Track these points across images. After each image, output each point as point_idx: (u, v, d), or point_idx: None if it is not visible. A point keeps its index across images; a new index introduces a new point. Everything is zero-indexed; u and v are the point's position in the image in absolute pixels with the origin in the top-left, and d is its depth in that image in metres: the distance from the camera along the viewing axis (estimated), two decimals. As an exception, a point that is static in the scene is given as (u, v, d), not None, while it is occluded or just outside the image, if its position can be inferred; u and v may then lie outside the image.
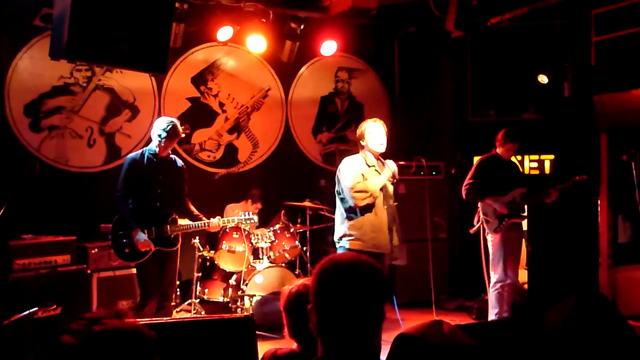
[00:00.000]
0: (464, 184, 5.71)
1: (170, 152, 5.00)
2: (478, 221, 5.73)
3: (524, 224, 6.10)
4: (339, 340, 1.57)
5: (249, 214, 5.43)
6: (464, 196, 5.75)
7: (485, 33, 6.85)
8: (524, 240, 7.31)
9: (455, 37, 6.95)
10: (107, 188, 5.24)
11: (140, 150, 4.96)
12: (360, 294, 1.57)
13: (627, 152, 5.50)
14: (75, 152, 6.40)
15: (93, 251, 5.60)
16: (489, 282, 5.72)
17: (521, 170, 6.44)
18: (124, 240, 4.78)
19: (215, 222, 5.02)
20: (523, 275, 6.83)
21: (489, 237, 5.69)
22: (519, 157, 7.00)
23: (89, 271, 5.50)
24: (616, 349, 1.41)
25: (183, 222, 5.01)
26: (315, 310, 1.61)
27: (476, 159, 5.94)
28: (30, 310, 4.50)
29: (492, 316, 5.67)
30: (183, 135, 5.04)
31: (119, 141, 6.63)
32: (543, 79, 6.88)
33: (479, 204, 5.67)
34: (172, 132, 4.80)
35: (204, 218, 5.04)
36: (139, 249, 4.74)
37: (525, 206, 5.85)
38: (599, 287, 6.23)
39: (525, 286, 6.77)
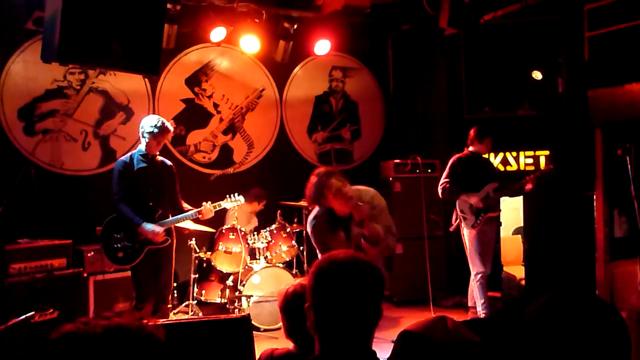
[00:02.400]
0: (440, 183, 5.90)
1: (158, 153, 4.99)
2: (456, 218, 5.91)
3: (514, 218, 6.17)
4: (336, 338, 1.57)
5: (234, 195, 5.39)
6: (439, 195, 5.94)
7: (478, 30, 6.87)
8: (519, 235, 7.36)
9: (448, 34, 6.97)
10: (102, 191, 5.24)
11: (129, 154, 4.97)
12: (357, 292, 1.56)
13: (622, 146, 5.51)
14: (70, 156, 6.38)
15: (89, 254, 5.58)
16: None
17: (494, 166, 6.60)
18: (116, 245, 4.77)
19: (209, 207, 5.02)
20: (520, 271, 6.85)
21: (465, 232, 5.86)
22: (514, 154, 7.02)
23: (85, 274, 5.49)
24: (598, 330, 1.40)
25: (171, 217, 5.00)
26: (312, 309, 1.60)
27: (451, 159, 6.04)
28: (27, 315, 4.48)
29: (479, 307, 5.79)
30: (172, 130, 5.02)
31: (113, 144, 6.61)
32: (537, 75, 6.89)
33: (457, 202, 5.84)
34: (162, 128, 4.80)
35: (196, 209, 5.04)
36: (154, 237, 4.72)
37: (500, 200, 5.96)
38: (596, 282, 6.25)
39: (522, 282, 6.79)
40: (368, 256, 3.65)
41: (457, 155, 6.01)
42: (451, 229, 6.14)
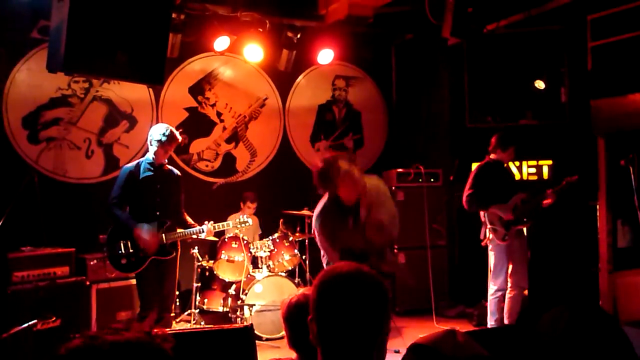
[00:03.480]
0: (465, 194, 5.64)
1: (167, 161, 5.01)
2: (487, 232, 5.64)
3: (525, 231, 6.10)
4: (340, 351, 1.56)
5: (243, 217, 5.44)
6: (465, 206, 5.65)
7: (481, 40, 6.87)
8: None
9: (451, 44, 6.99)
10: (105, 199, 5.23)
11: (137, 161, 4.98)
12: (361, 306, 1.55)
13: (625, 156, 5.50)
14: (74, 164, 6.40)
15: (92, 262, 5.58)
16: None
17: (514, 176, 6.44)
18: (120, 252, 4.77)
19: (209, 227, 5.02)
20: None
21: (491, 245, 5.65)
22: (517, 163, 7.02)
23: (88, 282, 5.49)
24: (611, 356, 1.41)
25: (179, 230, 5.00)
26: (315, 322, 1.60)
27: (474, 167, 5.92)
28: (30, 323, 4.49)
29: (491, 322, 5.68)
30: (180, 139, 5.04)
31: (117, 152, 6.63)
32: (540, 84, 6.90)
33: (484, 215, 5.60)
34: (170, 137, 4.82)
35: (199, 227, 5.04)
36: (149, 239, 4.70)
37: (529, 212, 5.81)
38: (599, 292, 6.23)
39: (525, 292, 6.77)
40: (374, 243, 3.64)
41: (479, 164, 5.76)
42: (483, 244, 5.77)
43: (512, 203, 5.56)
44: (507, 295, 5.65)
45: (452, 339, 1.34)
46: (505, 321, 5.71)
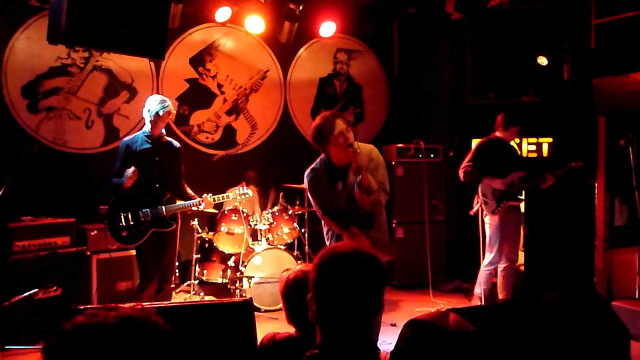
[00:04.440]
0: (462, 166, 5.73)
1: (165, 132, 5.00)
2: (477, 202, 5.80)
3: (522, 208, 6.15)
4: (338, 329, 1.60)
5: (243, 188, 5.47)
6: (461, 178, 5.77)
7: (484, 15, 6.82)
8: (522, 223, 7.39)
9: (455, 18, 6.93)
10: (105, 169, 5.25)
11: (135, 134, 4.98)
12: (359, 284, 1.59)
13: (625, 136, 5.51)
14: (74, 134, 6.39)
15: (92, 233, 5.62)
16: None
17: (520, 153, 6.47)
18: (121, 224, 4.79)
19: (209, 199, 5.03)
20: (520, 257, 6.89)
21: (487, 219, 5.77)
22: (517, 140, 7.01)
23: (88, 253, 5.53)
24: (599, 333, 1.43)
25: (178, 202, 5.03)
26: (314, 300, 1.63)
27: (475, 142, 5.96)
28: (31, 292, 4.55)
29: (477, 290, 5.81)
30: (174, 111, 5.02)
31: (117, 122, 6.62)
32: (543, 60, 6.86)
33: (479, 186, 5.71)
34: (163, 110, 4.79)
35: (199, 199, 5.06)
36: (131, 176, 4.70)
37: (523, 190, 5.89)
38: (594, 270, 6.29)
39: (522, 268, 6.84)
40: (361, 205, 3.64)
41: (481, 140, 5.85)
42: (471, 213, 5.98)
43: (508, 179, 5.64)
44: (499, 269, 5.76)
45: (447, 317, 1.38)
46: (500, 295, 5.81)
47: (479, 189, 5.73)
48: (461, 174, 5.73)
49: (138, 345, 1.18)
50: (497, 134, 5.82)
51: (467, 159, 5.76)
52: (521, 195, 5.86)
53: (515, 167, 5.73)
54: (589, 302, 1.46)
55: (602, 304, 1.46)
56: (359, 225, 3.76)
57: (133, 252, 5.40)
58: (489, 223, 5.75)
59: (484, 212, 5.77)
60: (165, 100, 4.83)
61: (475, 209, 5.88)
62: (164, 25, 4.09)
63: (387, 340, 4.27)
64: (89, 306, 1.31)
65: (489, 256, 5.74)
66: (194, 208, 5.12)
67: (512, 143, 6.14)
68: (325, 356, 1.57)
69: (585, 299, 1.46)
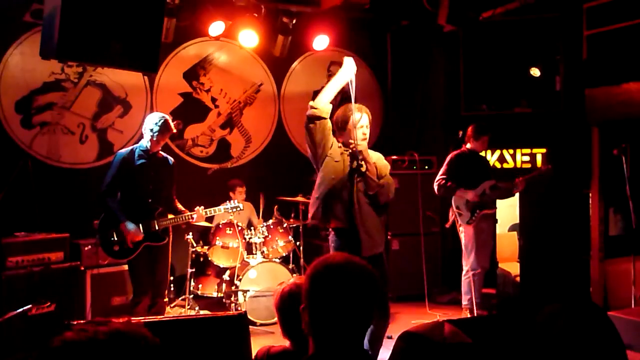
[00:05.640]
0: (436, 180, 5.90)
1: (161, 149, 5.00)
2: (452, 215, 5.96)
3: (509, 215, 6.21)
4: (331, 339, 1.60)
5: (234, 202, 5.45)
6: (435, 191, 5.95)
7: (477, 27, 6.87)
8: (515, 232, 7.40)
9: (447, 31, 6.97)
10: (99, 185, 5.23)
11: (130, 148, 4.96)
12: (352, 295, 1.59)
13: (618, 145, 5.55)
14: (67, 149, 6.38)
15: (86, 248, 5.59)
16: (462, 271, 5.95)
17: (490, 164, 6.64)
18: (112, 239, 4.77)
19: (201, 212, 5.03)
20: (515, 268, 6.89)
21: (461, 228, 5.91)
22: (511, 151, 7.05)
23: (82, 268, 5.50)
24: (597, 346, 1.44)
25: (170, 216, 5.02)
26: (307, 311, 1.63)
27: (448, 156, 6.06)
28: (24, 308, 4.50)
29: (464, 302, 5.90)
30: (175, 130, 5.04)
31: (111, 137, 6.61)
32: (535, 72, 6.91)
33: (452, 198, 5.87)
34: (164, 127, 4.80)
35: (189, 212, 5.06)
36: (131, 239, 4.73)
37: (496, 199, 6.00)
38: (590, 280, 6.29)
39: (517, 279, 6.83)
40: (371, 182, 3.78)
41: (454, 152, 6.03)
42: (447, 225, 6.20)
43: (480, 189, 5.81)
44: (470, 274, 5.87)
45: (441, 329, 1.37)
46: (464, 301, 5.93)
47: (452, 201, 5.89)
48: (435, 187, 5.90)
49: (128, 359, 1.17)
50: (469, 145, 6.00)
51: (440, 172, 5.94)
52: (494, 203, 5.99)
53: (486, 177, 5.90)
54: (588, 315, 1.45)
55: (600, 316, 1.46)
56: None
57: (127, 266, 5.37)
58: (464, 233, 5.89)
59: (459, 223, 5.89)
60: (166, 119, 4.83)
61: (450, 221, 6.03)
62: (157, 39, 4.09)
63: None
64: (81, 321, 1.29)
65: (466, 264, 5.87)
66: (186, 221, 5.11)
67: (488, 153, 6.29)
68: (318, 368, 1.56)
69: (584, 312, 1.46)
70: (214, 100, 7.21)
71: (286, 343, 2.49)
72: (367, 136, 4.00)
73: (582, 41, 6.33)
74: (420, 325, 1.42)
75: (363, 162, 3.90)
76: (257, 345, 2.59)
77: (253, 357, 2.57)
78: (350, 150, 3.95)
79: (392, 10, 7.21)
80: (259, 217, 6.73)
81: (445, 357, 1.31)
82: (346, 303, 1.58)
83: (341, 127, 4.00)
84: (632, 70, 5.93)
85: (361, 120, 3.97)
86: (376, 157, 4.11)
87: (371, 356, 1.68)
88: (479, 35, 6.99)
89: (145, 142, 4.87)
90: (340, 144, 4.05)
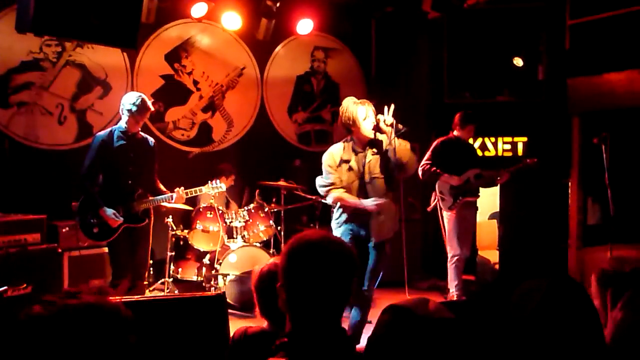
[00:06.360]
0: (421, 164, 5.87)
1: (140, 129, 4.94)
2: (434, 199, 5.98)
3: (489, 204, 6.24)
4: (308, 316, 1.59)
5: (216, 182, 5.40)
6: (420, 176, 5.94)
7: (461, 14, 6.86)
8: (495, 220, 7.46)
9: (432, 18, 6.96)
10: (78, 166, 5.15)
11: (109, 129, 4.90)
12: (329, 272, 1.58)
13: (598, 135, 5.59)
14: (46, 129, 6.26)
15: (64, 230, 5.51)
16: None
17: (477, 153, 6.64)
18: (92, 220, 4.73)
19: (180, 193, 4.98)
20: (494, 256, 6.95)
21: (445, 214, 5.93)
22: (492, 139, 7.08)
23: (59, 250, 5.42)
24: (582, 331, 1.45)
25: (150, 197, 4.97)
26: (284, 288, 1.61)
27: (434, 142, 6.06)
28: (0, 289, 4.44)
29: (452, 289, 5.88)
30: (152, 109, 4.97)
31: (90, 118, 6.51)
32: (518, 62, 6.93)
33: (436, 183, 5.90)
34: (141, 107, 4.74)
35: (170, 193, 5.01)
36: (110, 225, 4.69)
37: (479, 187, 6.02)
38: (568, 268, 6.37)
39: (496, 266, 6.89)
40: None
41: (440, 139, 6.02)
42: (428, 209, 6.20)
43: (464, 176, 5.84)
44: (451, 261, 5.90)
45: (426, 304, 1.38)
46: (451, 287, 5.93)
47: (436, 186, 5.92)
48: (420, 172, 5.89)
49: (98, 334, 1.14)
50: (455, 132, 6.00)
51: (425, 157, 5.94)
52: (477, 191, 6.01)
53: (472, 165, 5.91)
54: (566, 288, 1.46)
55: (578, 290, 1.47)
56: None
57: (105, 249, 5.32)
58: (447, 219, 5.91)
59: (442, 209, 5.91)
60: (143, 98, 4.77)
61: (432, 205, 6.06)
62: (137, 15, 4.03)
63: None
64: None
65: (450, 250, 5.89)
66: (166, 203, 5.06)
67: (469, 141, 6.29)
68: (294, 344, 1.55)
69: (562, 285, 1.47)
70: (195, 83, 7.12)
71: (264, 324, 2.48)
72: (375, 123, 4.21)
73: (565, 31, 6.37)
74: (405, 300, 1.42)
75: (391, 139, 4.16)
76: (235, 328, 2.58)
77: (231, 337, 2.55)
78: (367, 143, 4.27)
79: (377, -5, 7.19)
80: (239, 205, 6.70)
81: (430, 331, 1.31)
82: (323, 279, 1.57)
83: (353, 125, 4.23)
84: (614, 61, 5.99)
85: (366, 112, 4.22)
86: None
87: (348, 335, 1.67)
88: (463, 23, 6.99)
89: (123, 123, 4.81)
90: (342, 155, 4.30)
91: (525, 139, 6.94)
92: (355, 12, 7.76)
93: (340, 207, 4.28)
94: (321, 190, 4.33)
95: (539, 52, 6.85)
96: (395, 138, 4.13)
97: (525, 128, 6.90)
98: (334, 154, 4.32)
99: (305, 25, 7.05)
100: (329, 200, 4.30)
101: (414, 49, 7.66)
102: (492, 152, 7.09)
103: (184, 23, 6.95)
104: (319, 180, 4.35)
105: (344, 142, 4.35)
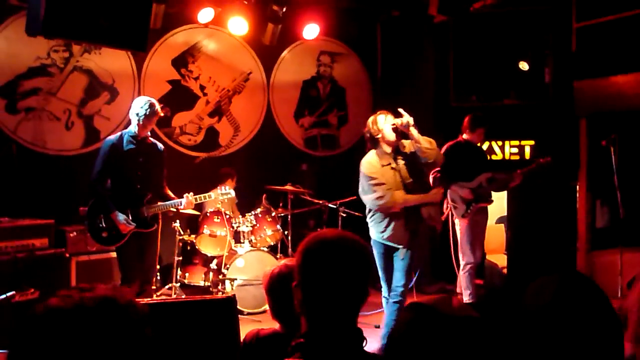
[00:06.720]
0: (432, 171, 5.75)
1: (150, 134, 4.95)
2: (447, 207, 5.85)
3: (497, 208, 6.17)
4: (324, 316, 1.57)
5: (225, 188, 5.39)
6: (430, 183, 5.80)
7: (467, 18, 6.86)
8: (503, 224, 7.42)
9: (438, 21, 6.95)
10: (85, 171, 5.16)
11: (119, 133, 4.91)
12: (345, 270, 1.56)
13: (606, 138, 5.57)
14: (53, 135, 6.28)
15: (72, 234, 5.52)
16: (458, 266, 5.86)
17: (487, 156, 6.57)
18: (101, 225, 4.73)
19: (190, 199, 4.97)
20: (502, 260, 6.91)
21: (457, 221, 5.82)
22: (500, 143, 7.05)
23: (67, 255, 5.43)
24: (598, 326, 1.43)
25: (159, 203, 4.97)
26: (300, 287, 1.60)
27: (444, 146, 6.01)
28: (7, 294, 4.43)
29: (465, 297, 5.79)
30: (162, 114, 4.98)
31: (97, 124, 6.53)
32: (524, 65, 6.91)
33: (448, 191, 5.76)
34: (150, 111, 4.76)
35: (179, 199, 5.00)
36: (121, 230, 4.70)
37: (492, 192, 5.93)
38: (577, 271, 6.33)
39: (505, 270, 6.85)
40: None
41: (449, 143, 5.92)
42: (442, 218, 5.96)
43: (476, 182, 5.71)
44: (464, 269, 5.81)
45: (449, 301, 1.36)
46: (463, 295, 5.84)
47: (448, 194, 5.78)
48: (430, 180, 5.75)
49: (116, 327, 1.13)
50: (465, 136, 5.89)
51: None
52: (490, 196, 5.88)
53: (483, 169, 5.79)
54: (578, 284, 1.44)
55: (590, 286, 1.45)
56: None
57: (113, 254, 5.32)
58: (459, 226, 5.79)
59: (454, 216, 5.81)
60: (153, 103, 4.79)
61: (445, 213, 5.91)
62: (146, 16, 4.03)
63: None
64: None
65: (464, 258, 5.77)
66: (174, 209, 5.06)
67: (494, 145, 6.21)
68: (311, 344, 1.53)
69: (574, 281, 1.45)
70: (202, 88, 7.14)
71: (276, 326, 2.47)
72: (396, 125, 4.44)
73: (572, 33, 6.35)
74: (428, 297, 1.40)
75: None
76: (246, 330, 2.57)
77: (242, 340, 2.54)
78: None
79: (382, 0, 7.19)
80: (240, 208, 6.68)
81: (454, 329, 1.28)
82: (339, 277, 1.55)
83: (378, 132, 4.49)
84: (620, 63, 5.97)
85: (385, 120, 4.51)
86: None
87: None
88: (470, 26, 6.98)
89: (133, 128, 4.82)
90: (380, 161, 4.48)
91: (532, 142, 6.91)
92: (361, 16, 7.77)
93: (382, 213, 4.44)
94: (376, 201, 4.39)
95: (546, 54, 6.84)
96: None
97: (533, 131, 6.86)
98: (371, 161, 4.47)
99: (311, 30, 7.06)
100: (391, 205, 4.38)
101: (420, 53, 7.64)
102: (499, 156, 7.07)
103: (190, 28, 6.97)
104: (368, 194, 4.42)
105: (373, 153, 4.52)
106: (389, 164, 4.44)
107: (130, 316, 1.16)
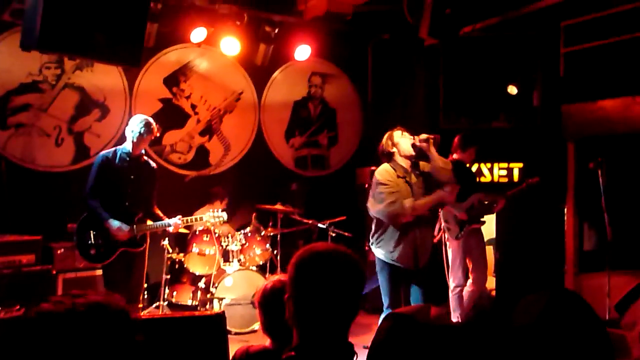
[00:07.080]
0: None
1: (143, 152, 4.95)
2: (440, 229, 5.77)
3: (485, 230, 6.16)
4: (315, 329, 1.57)
5: (217, 210, 5.39)
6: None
7: (457, 41, 6.96)
8: (491, 246, 7.44)
9: (428, 44, 7.03)
10: (74, 188, 5.16)
11: (113, 149, 4.92)
12: (337, 283, 1.57)
13: (594, 160, 5.63)
14: (42, 151, 6.25)
15: (59, 251, 5.47)
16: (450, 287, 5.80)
17: (476, 177, 6.57)
18: (90, 242, 4.70)
19: (178, 222, 4.96)
20: (490, 282, 6.92)
21: (447, 243, 5.75)
22: (488, 165, 7.11)
23: (54, 272, 5.38)
24: (588, 342, 1.44)
25: (149, 222, 4.95)
26: (292, 300, 1.60)
27: None
28: (-8, 311, 4.39)
29: (454, 319, 5.74)
30: (158, 134, 5.00)
31: (87, 141, 6.51)
32: (512, 89, 7.01)
33: (440, 212, 5.70)
34: (146, 130, 4.79)
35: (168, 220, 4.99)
36: (117, 236, 4.67)
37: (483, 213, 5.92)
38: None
39: (493, 292, 6.86)
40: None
41: None
42: (434, 240, 5.85)
43: (468, 202, 5.68)
44: (467, 289, 5.76)
45: (427, 312, 1.37)
46: (454, 317, 5.79)
47: (440, 215, 5.70)
48: None
49: (107, 332, 1.13)
50: (455, 155, 5.84)
51: None
52: (482, 217, 5.85)
53: (474, 190, 5.78)
54: (566, 300, 1.46)
55: (578, 302, 1.46)
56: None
57: (99, 271, 5.27)
58: (451, 248, 5.73)
59: (447, 237, 5.75)
60: (150, 122, 4.82)
61: (438, 236, 5.81)
62: (141, 32, 4.06)
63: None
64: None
65: (453, 280, 5.71)
66: (163, 229, 5.05)
67: (483, 166, 6.24)
68: (302, 357, 1.53)
69: (562, 298, 1.46)
70: (193, 107, 7.16)
71: (266, 342, 2.46)
72: (412, 140, 4.60)
73: (560, 58, 6.46)
74: (405, 308, 1.41)
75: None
76: (235, 348, 2.55)
77: (231, 357, 2.52)
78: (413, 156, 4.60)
79: (374, 22, 7.28)
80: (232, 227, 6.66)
81: (431, 338, 1.29)
82: (332, 291, 1.56)
83: (393, 146, 4.62)
84: (608, 88, 6.06)
85: (402, 135, 4.65)
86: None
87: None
88: (459, 50, 7.08)
89: (127, 145, 4.84)
90: (395, 172, 4.55)
91: (520, 164, 6.97)
92: (352, 38, 7.85)
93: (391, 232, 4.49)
94: (386, 208, 4.42)
95: (534, 79, 6.94)
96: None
97: (521, 154, 6.93)
98: (388, 170, 4.54)
99: (303, 51, 7.12)
100: (400, 211, 4.41)
101: (410, 75, 7.73)
102: (487, 178, 7.12)
103: (183, 48, 7.01)
104: (379, 203, 4.46)
105: (387, 164, 4.61)
106: (404, 176, 4.51)
107: (121, 322, 1.16)
